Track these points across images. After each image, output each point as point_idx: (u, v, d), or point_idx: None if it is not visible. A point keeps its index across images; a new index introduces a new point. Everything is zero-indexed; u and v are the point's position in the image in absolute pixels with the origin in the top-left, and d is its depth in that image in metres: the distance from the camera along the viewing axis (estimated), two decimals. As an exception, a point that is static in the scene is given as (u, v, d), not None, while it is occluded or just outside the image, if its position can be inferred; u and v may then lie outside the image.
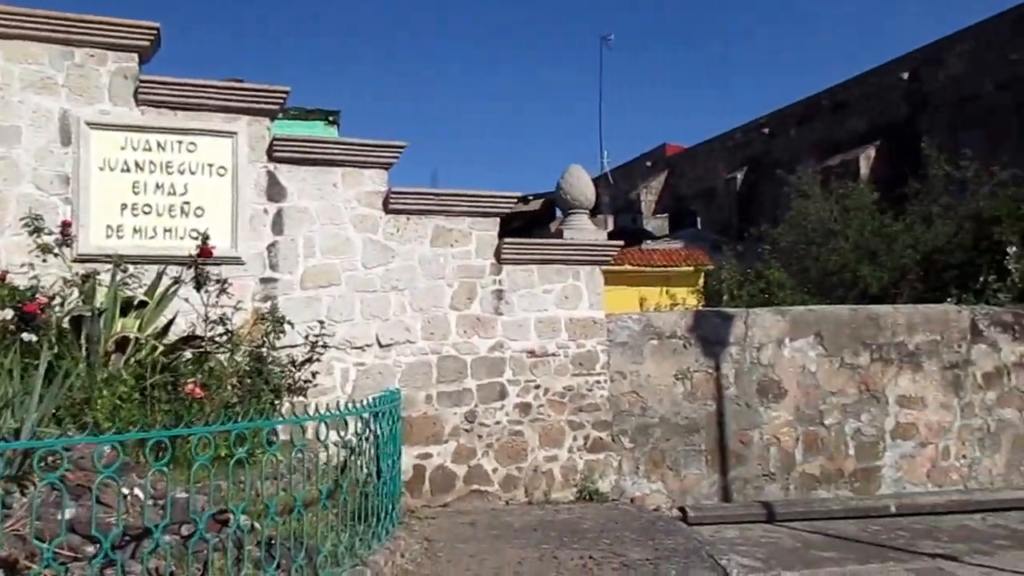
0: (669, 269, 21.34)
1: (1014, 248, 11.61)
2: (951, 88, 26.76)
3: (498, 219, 8.19)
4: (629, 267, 20.89)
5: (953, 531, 7.91)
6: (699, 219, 34.21)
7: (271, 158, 7.52)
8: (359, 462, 5.25)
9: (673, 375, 8.70)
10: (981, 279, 11.60)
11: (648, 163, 43.16)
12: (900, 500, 8.66)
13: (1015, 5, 25.14)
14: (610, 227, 29.93)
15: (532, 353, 8.17)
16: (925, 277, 14.60)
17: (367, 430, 5.32)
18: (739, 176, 34.79)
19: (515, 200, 8.35)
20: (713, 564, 5.70)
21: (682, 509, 8.15)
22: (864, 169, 27.53)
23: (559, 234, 8.54)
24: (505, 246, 8.14)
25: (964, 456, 9.35)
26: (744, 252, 20.34)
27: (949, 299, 11.63)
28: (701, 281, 20.13)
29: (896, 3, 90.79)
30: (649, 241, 27.22)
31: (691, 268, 20.18)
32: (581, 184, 8.44)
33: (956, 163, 15.52)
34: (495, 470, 7.98)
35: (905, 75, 28.07)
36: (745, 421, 8.84)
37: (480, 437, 7.94)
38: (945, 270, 14.09)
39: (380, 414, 5.54)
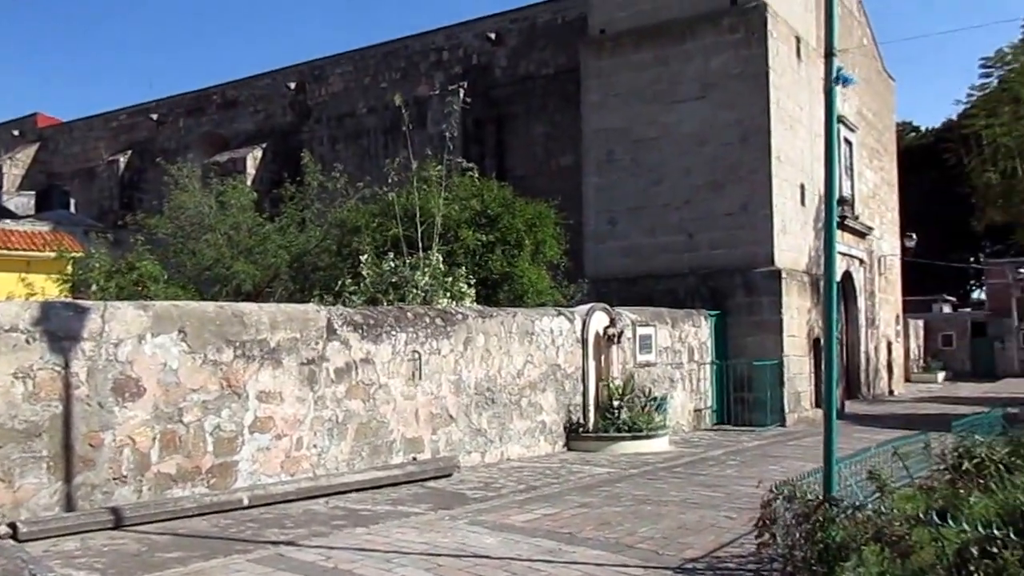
0: (30, 254, 19.13)
1: (367, 256, 13.08)
2: (333, 104, 29.24)
3: None
4: (-23, 249, 18.19)
5: (299, 517, 8.51)
6: (73, 201, 31.47)
7: None
8: None
9: (12, 374, 7.72)
10: (341, 282, 12.83)
11: (15, 132, 38.26)
12: (253, 492, 9.02)
13: (388, 40, 28.58)
14: (-44, 200, 25.69)
15: None
16: (296, 277, 15.62)
17: None
18: (122, 160, 32.97)
19: None
20: (34, 585, 5.17)
21: (12, 525, 7.27)
22: (251, 168, 28.43)
23: None
24: None
25: (315, 445, 10.13)
26: (122, 241, 19.28)
27: (313, 299, 12.60)
28: (69, 269, 18.47)
29: (292, 14, 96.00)
30: (8, 221, 24.07)
31: (55, 254, 18.36)
32: None
33: (329, 174, 16.96)
34: None
35: (292, 85, 29.77)
36: (97, 422, 8.27)
37: None
38: (314, 271, 15.27)
39: None
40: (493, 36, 26.46)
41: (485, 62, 26.68)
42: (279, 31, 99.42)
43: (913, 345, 40.55)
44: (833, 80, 6.74)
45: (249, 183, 25.64)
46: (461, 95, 24.44)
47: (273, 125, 30.12)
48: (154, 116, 33.17)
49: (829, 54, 6.96)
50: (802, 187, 20.60)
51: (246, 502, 8.81)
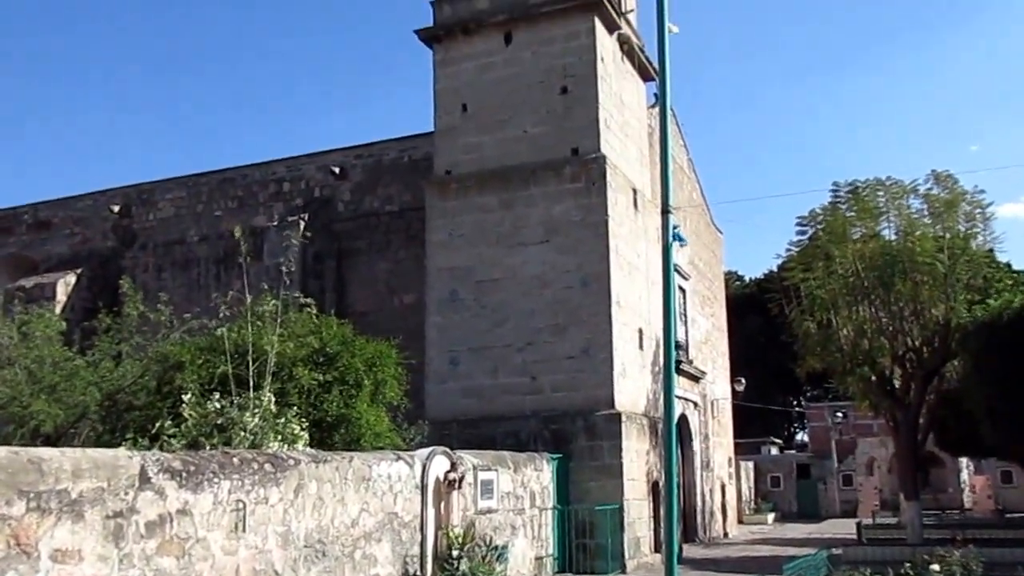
0: None
1: (190, 395, 12.27)
2: (161, 230, 28.23)
3: None
4: None
5: None
6: None
7: None
8: None
9: None
10: (159, 423, 11.92)
11: None
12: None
13: (224, 168, 28.19)
14: None
15: None
16: (107, 418, 14.45)
17: None
18: (-90, 281, 30.18)
19: None
20: None
21: None
22: (62, 295, 26.74)
23: None
24: None
25: (114, 612, 9.07)
26: None
27: (126, 442, 11.61)
28: None
29: (114, 138, 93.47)
30: None
31: None
32: None
33: (153, 304, 16.05)
34: None
35: (116, 208, 28.63)
36: None
37: None
38: (128, 411, 14.18)
39: None
40: (337, 170, 26.60)
41: (328, 195, 26.68)
42: (102, 152, 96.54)
43: (744, 487, 42.07)
44: (671, 238, 7.15)
45: (59, 311, 23.98)
46: (301, 227, 24.19)
47: (91, 249, 28.63)
48: (-50, 234, 30.89)
49: (665, 211, 7.40)
50: (640, 332, 21.40)
51: None
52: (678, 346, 24.94)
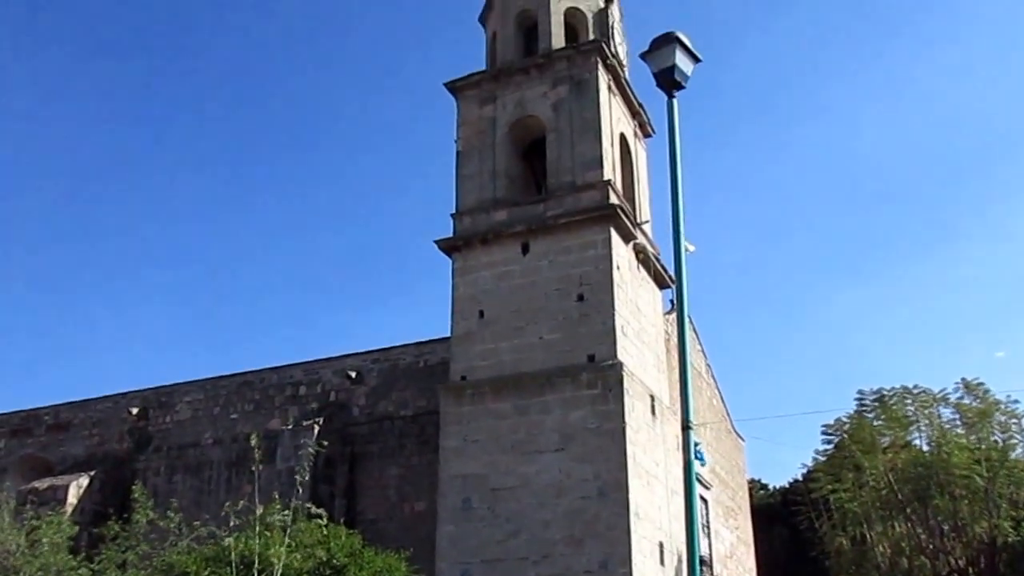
0: None
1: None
2: (176, 433, 28.63)
3: None
4: None
5: None
6: None
7: None
8: None
9: None
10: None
11: None
12: None
13: (244, 371, 28.92)
14: None
15: None
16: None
17: None
18: (-80, 482, 30.40)
19: None
20: None
21: None
22: (73, 498, 26.83)
23: None
24: None
25: None
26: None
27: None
28: None
29: (127, 343, 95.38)
30: None
31: None
32: None
33: (164, 509, 16.15)
34: None
35: (135, 410, 29.20)
36: None
37: None
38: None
39: None
40: (354, 374, 27.19)
41: (343, 399, 27.12)
42: (127, 354, 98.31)
43: None
44: (692, 456, 7.42)
45: (69, 513, 23.97)
46: (316, 432, 24.47)
47: (106, 451, 28.94)
48: (-30, 436, 31.38)
49: (686, 427, 7.69)
50: (661, 545, 20.99)
51: None
52: (702, 562, 24.25)
